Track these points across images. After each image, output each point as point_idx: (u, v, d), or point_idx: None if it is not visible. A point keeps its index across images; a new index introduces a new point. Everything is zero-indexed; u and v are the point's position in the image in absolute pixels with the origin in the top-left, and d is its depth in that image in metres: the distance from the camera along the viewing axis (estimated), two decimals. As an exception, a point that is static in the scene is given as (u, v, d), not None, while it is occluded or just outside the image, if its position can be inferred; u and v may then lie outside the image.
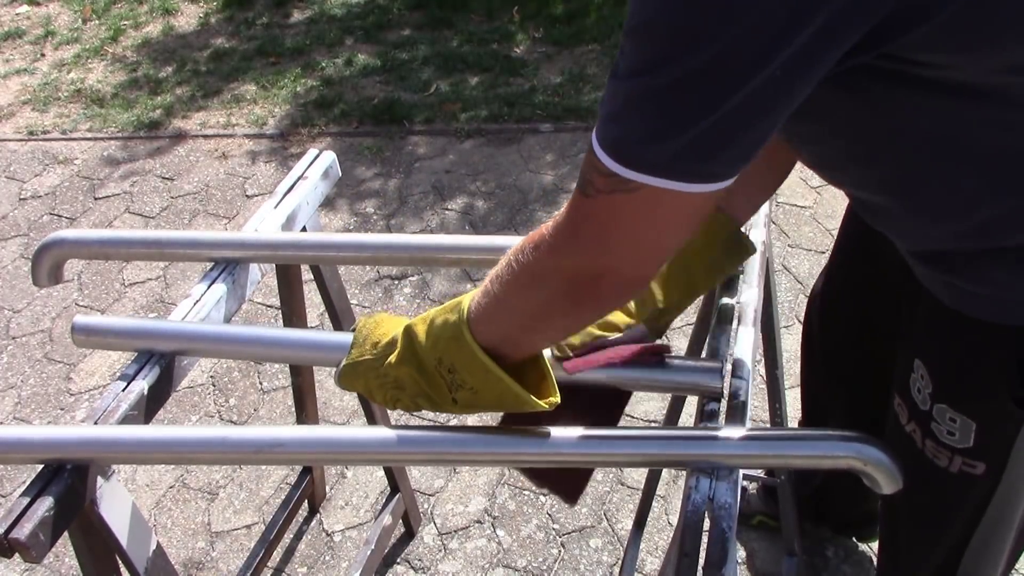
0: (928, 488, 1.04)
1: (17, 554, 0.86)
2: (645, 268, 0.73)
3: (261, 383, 2.29)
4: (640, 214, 0.68)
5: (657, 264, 0.74)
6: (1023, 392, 0.89)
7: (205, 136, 3.35)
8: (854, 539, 1.78)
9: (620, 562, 1.77)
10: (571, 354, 0.96)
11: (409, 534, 1.89)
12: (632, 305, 1.02)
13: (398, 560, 1.85)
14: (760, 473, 1.70)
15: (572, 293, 0.74)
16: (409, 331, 0.86)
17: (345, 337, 0.96)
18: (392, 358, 0.87)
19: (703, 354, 1.10)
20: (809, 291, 2.35)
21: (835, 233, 2.51)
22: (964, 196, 0.81)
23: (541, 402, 0.81)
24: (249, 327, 1.05)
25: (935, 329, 0.96)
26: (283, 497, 1.84)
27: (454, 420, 2.13)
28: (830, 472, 1.59)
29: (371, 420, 1.66)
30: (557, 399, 0.82)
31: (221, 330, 1.05)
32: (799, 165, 1.04)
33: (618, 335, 0.98)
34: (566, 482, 1.02)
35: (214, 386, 2.30)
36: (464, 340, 0.80)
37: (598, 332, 1.00)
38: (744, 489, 1.84)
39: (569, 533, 1.86)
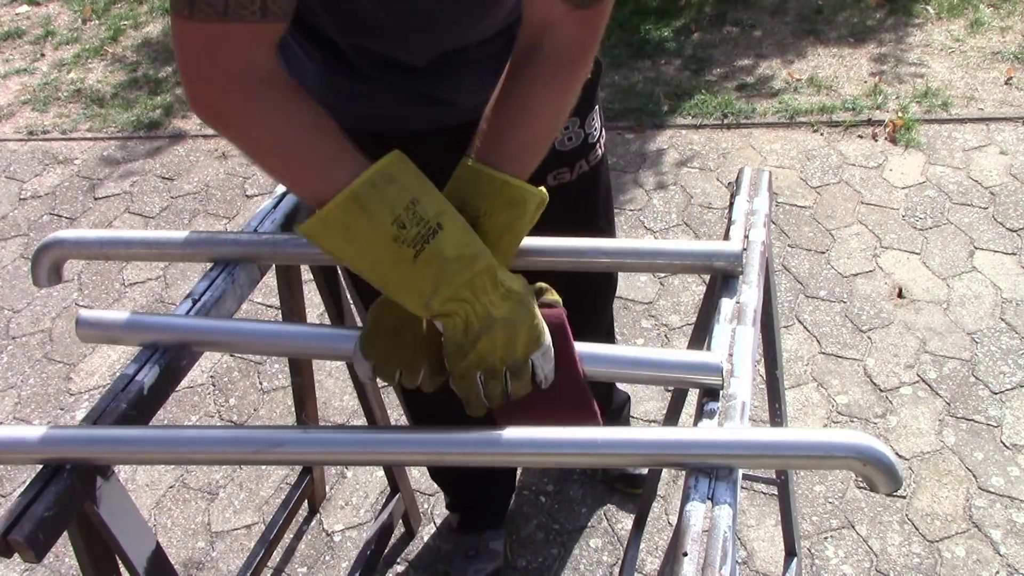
0: (586, 187, 1.37)
1: (17, 554, 0.86)
2: None
3: (261, 383, 2.29)
4: None
5: None
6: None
7: (205, 136, 3.34)
8: (626, 489, 1.93)
9: (620, 562, 1.77)
10: None
11: (409, 534, 1.89)
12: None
13: (398, 560, 1.85)
14: (761, 473, 1.70)
15: None
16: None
17: (348, 331, 0.96)
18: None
19: (703, 354, 1.10)
20: (809, 291, 2.35)
21: (835, 233, 2.51)
22: None
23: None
24: (254, 321, 1.05)
25: None
26: (283, 497, 1.84)
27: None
28: None
29: (371, 420, 1.66)
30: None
31: (227, 324, 1.04)
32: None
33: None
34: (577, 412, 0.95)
35: (214, 386, 2.30)
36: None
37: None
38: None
39: (569, 533, 1.86)
